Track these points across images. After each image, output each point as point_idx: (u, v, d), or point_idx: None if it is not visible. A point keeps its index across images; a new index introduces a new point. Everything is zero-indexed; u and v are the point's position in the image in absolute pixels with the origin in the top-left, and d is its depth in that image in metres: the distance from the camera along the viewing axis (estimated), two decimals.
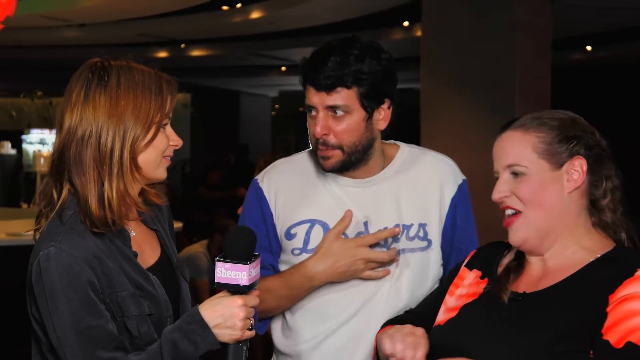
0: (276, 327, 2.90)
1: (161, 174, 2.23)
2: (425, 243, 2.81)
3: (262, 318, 2.82)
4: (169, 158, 2.25)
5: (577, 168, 2.10)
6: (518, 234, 2.07)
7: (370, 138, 2.74)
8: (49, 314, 2.02)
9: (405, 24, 13.78)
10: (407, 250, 2.79)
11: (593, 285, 2.00)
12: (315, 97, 2.69)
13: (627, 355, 1.86)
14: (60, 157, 2.13)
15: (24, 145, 16.51)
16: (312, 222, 2.77)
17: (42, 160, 13.71)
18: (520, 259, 2.18)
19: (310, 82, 2.69)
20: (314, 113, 2.73)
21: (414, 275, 2.77)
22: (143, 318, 2.08)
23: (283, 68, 19.99)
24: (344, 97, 2.66)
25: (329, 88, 2.65)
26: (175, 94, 2.24)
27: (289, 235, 2.78)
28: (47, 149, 15.44)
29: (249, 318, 2.01)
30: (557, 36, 11.84)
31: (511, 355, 1.96)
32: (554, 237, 2.09)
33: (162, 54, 17.82)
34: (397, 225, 2.76)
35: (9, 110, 22.62)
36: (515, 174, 2.07)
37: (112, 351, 2.01)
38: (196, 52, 17.74)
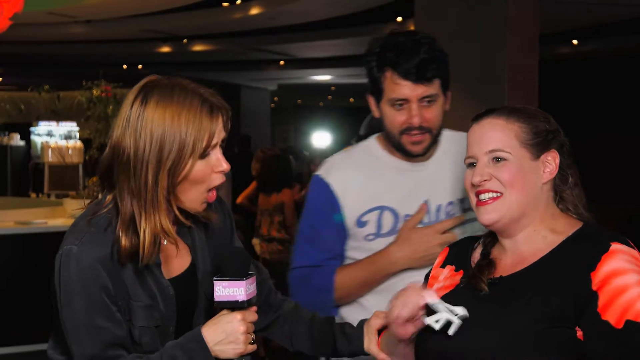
0: (349, 309, 2.94)
1: (199, 207, 2.13)
2: None
3: (337, 306, 2.92)
4: (213, 190, 2.15)
5: (551, 161, 2.12)
6: (492, 214, 2.07)
7: (442, 120, 2.88)
8: (62, 306, 2.03)
9: (399, 19, 13.77)
10: (467, 222, 2.88)
11: (570, 262, 2.00)
12: (407, 90, 2.75)
13: (628, 333, 1.87)
14: (108, 170, 2.09)
15: (33, 137, 16.44)
16: (382, 209, 2.86)
17: (49, 152, 13.65)
18: (491, 252, 2.18)
19: (406, 76, 2.74)
20: (402, 104, 2.78)
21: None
22: (148, 329, 2.08)
23: (281, 62, 19.99)
24: (436, 86, 2.79)
25: (427, 80, 2.75)
26: (222, 119, 2.10)
27: (360, 223, 2.86)
28: (54, 141, 15.38)
29: (249, 333, 2.02)
30: (544, 31, 11.84)
31: (500, 335, 1.96)
32: (524, 222, 2.10)
33: (165, 49, 17.82)
34: (453, 201, 2.91)
35: (17, 104, 22.63)
36: (498, 160, 2.07)
37: (117, 350, 2.02)
38: (198, 47, 17.74)
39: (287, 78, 23.14)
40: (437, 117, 2.82)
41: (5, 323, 6.41)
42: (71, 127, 16.37)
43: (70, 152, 13.65)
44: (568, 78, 16.42)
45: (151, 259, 2.06)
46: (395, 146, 2.87)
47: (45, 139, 15.96)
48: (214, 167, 2.09)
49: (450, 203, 2.90)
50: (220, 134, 2.08)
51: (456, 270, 2.22)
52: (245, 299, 1.99)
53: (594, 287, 1.92)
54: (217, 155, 2.09)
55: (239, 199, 8.87)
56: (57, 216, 7.72)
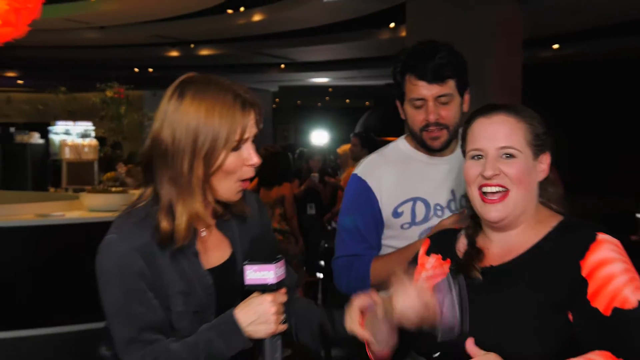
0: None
1: (232, 196, 2.12)
2: None
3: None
4: (247, 181, 2.14)
5: (545, 161, 2.11)
6: (501, 213, 2.05)
7: (461, 119, 2.90)
8: (101, 292, 2.01)
9: (392, 25, 13.77)
10: None
11: (559, 252, 2.00)
12: (425, 90, 2.83)
13: (616, 320, 1.88)
14: (148, 162, 2.08)
15: (51, 136, 16.45)
16: (414, 200, 2.93)
17: (67, 149, 13.65)
18: (476, 241, 2.17)
19: (422, 77, 2.83)
20: (420, 103, 2.87)
21: None
22: (185, 314, 2.05)
23: (282, 65, 19.99)
24: (450, 86, 2.86)
25: (441, 80, 2.82)
26: (254, 114, 2.09)
27: (396, 214, 2.92)
28: (71, 139, 15.38)
29: (280, 313, 2.00)
30: (527, 36, 11.84)
31: (501, 325, 1.95)
32: (522, 218, 2.09)
33: (174, 53, 17.81)
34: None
35: (36, 105, 22.63)
36: (508, 156, 2.05)
37: (154, 334, 1.99)
38: (204, 52, 17.73)
39: (287, 80, 23.14)
40: (454, 115, 2.88)
41: (25, 307, 6.41)
42: (86, 126, 16.38)
43: (85, 149, 13.65)
44: (549, 80, 16.43)
45: (185, 242, 2.05)
46: (419, 142, 2.95)
47: (62, 137, 15.97)
48: (245, 160, 2.08)
49: None
50: (251, 129, 2.07)
51: (443, 259, 2.21)
52: (275, 282, 1.98)
53: (584, 274, 1.93)
54: (248, 149, 2.07)
55: None
56: (74, 209, 7.71)
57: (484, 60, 10.75)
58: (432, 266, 2.22)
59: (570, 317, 1.92)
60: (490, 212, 2.06)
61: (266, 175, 7.76)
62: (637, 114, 17.46)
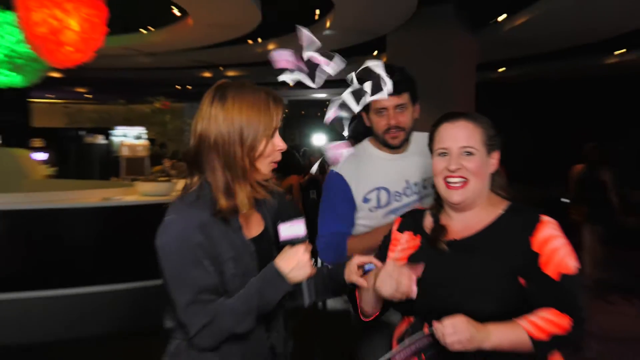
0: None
1: (268, 175, 2.11)
2: None
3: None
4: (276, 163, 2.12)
5: (495, 157, 2.11)
6: (461, 196, 2.05)
7: (413, 124, 2.97)
8: (162, 265, 1.95)
9: (375, 53, 13.75)
10: (431, 193, 2.90)
11: (511, 229, 2.00)
12: (386, 101, 2.84)
13: (563, 283, 1.90)
14: (196, 157, 2.03)
15: (112, 137, 16.47)
16: (379, 189, 2.94)
17: (124, 148, 13.64)
18: (440, 219, 2.15)
19: None
20: (383, 112, 2.89)
21: None
22: (236, 277, 2.00)
23: (290, 84, 19.92)
24: (405, 98, 2.89)
25: (398, 92, 2.82)
26: (281, 109, 2.09)
27: (366, 200, 2.93)
28: (128, 140, 15.39)
29: (311, 259, 1.97)
30: (479, 61, 11.82)
31: (461, 288, 1.95)
32: (478, 201, 2.09)
33: (207, 74, 17.77)
34: (421, 180, 2.99)
35: (101, 113, 22.64)
36: (468, 153, 2.04)
37: (210, 295, 1.93)
38: (230, 73, 17.69)
39: (294, 95, 23.13)
40: (408, 120, 2.91)
41: (92, 270, 6.41)
42: (140, 130, 16.39)
43: (139, 148, 13.63)
44: (496, 95, 16.42)
45: (238, 214, 2.04)
46: (382, 143, 2.96)
47: (121, 139, 15.98)
48: (276, 146, 2.08)
49: (424, 180, 2.97)
50: (279, 120, 2.08)
51: (415, 234, 2.19)
52: (304, 234, 1.96)
53: (534, 249, 1.94)
54: (277, 137, 2.08)
55: None
56: (130, 194, 7.70)
57: (446, 79, 10.78)
58: (406, 240, 2.21)
59: (522, 282, 1.91)
60: (453, 196, 2.06)
61: (278, 169, 7.76)
62: (561, 122, 17.55)
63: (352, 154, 3.06)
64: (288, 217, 2.01)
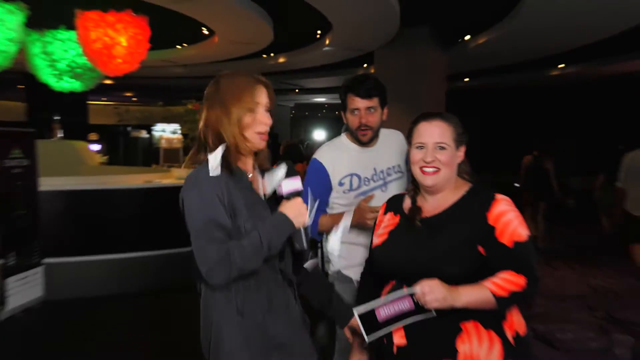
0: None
1: (257, 144, 1.99)
2: (401, 174, 2.95)
3: (319, 233, 2.94)
4: (263, 134, 1.99)
5: (462, 151, 2.08)
6: (434, 181, 2.03)
7: (381, 123, 2.91)
8: (186, 211, 1.87)
9: (365, 65, 13.71)
10: (394, 178, 2.94)
11: (471, 207, 1.98)
12: (359, 103, 2.81)
13: (517, 249, 1.88)
14: (204, 136, 1.96)
15: (153, 132, 16.45)
16: (351, 175, 2.88)
17: (163, 141, 13.67)
18: (416, 201, 2.13)
19: (357, 93, 2.82)
20: (356, 112, 2.84)
21: (398, 188, 2.89)
22: (250, 220, 1.89)
23: (296, 90, 19.88)
24: (375, 102, 2.82)
25: (369, 97, 2.80)
26: (263, 89, 1.98)
27: (340, 184, 2.87)
28: (166, 134, 15.39)
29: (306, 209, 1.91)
30: (448, 73, 11.80)
31: (430, 252, 1.93)
32: (447, 185, 2.07)
33: None
34: (386, 168, 2.93)
35: (144, 113, 22.62)
36: (441, 148, 2.02)
37: (225, 235, 1.82)
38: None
39: (299, 99, 23.02)
40: (377, 120, 2.84)
41: (136, 239, 6.42)
42: (175, 127, 16.34)
43: (175, 141, 13.63)
44: (462, 100, 16.39)
45: (244, 174, 1.98)
46: (354, 137, 2.90)
47: (160, 133, 15.94)
48: (258, 120, 1.97)
49: (388, 168, 2.93)
50: (262, 98, 1.97)
51: (394, 214, 2.17)
52: (301, 188, 1.92)
53: (490, 222, 1.91)
54: (260, 112, 1.97)
55: None
56: (167, 178, 7.71)
57: (422, 87, 10.77)
58: (388, 219, 2.18)
59: (481, 250, 1.90)
60: (427, 180, 2.04)
61: (286, 158, 7.74)
62: (514, 122, 17.55)
63: (330, 145, 3.06)
64: (290, 171, 1.96)
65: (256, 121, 1.96)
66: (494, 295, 1.85)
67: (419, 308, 1.85)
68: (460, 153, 2.08)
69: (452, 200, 2.05)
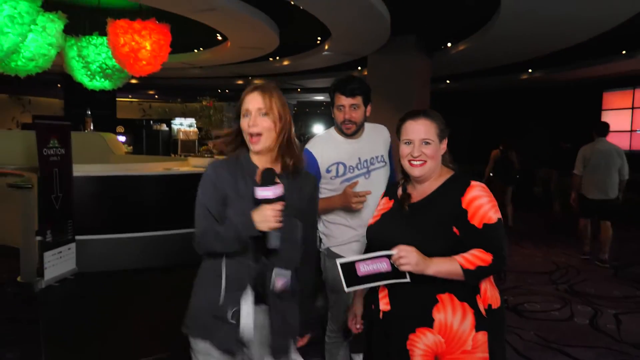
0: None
1: (250, 146, 1.95)
2: (383, 163, 2.93)
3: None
4: (253, 137, 1.94)
5: (444, 144, 2.07)
6: (421, 172, 2.02)
7: (365, 119, 2.87)
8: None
9: (359, 68, 13.66)
10: (377, 167, 2.90)
11: (449, 192, 1.97)
12: (344, 101, 2.78)
13: (486, 231, 1.87)
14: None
15: (172, 126, 16.39)
16: (337, 163, 2.83)
17: (181, 133, 13.59)
18: (407, 188, 2.12)
19: (342, 92, 2.79)
20: (341, 108, 2.81)
21: (380, 178, 2.89)
22: (236, 207, 1.89)
23: (299, 90, 19.83)
24: (358, 100, 2.79)
25: (353, 95, 2.77)
26: (247, 96, 1.95)
27: (328, 171, 2.83)
28: (183, 128, 15.33)
29: (276, 216, 1.82)
30: (432, 76, 11.76)
31: (414, 231, 1.93)
32: (433, 175, 2.05)
33: (239, 82, 17.62)
34: (370, 158, 2.90)
35: (165, 109, 22.52)
36: (426, 143, 2.00)
37: (210, 216, 1.90)
38: (257, 81, 17.54)
39: (301, 98, 22.99)
40: (360, 116, 2.80)
41: (157, 220, 6.40)
42: (192, 121, 16.29)
43: (191, 134, 13.57)
44: (444, 100, 16.36)
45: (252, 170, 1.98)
46: (340, 130, 2.87)
47: (178, 127, 15.89)
48: (243, 124, 1.95)
49: (372, 158, 2.90)
50: (253, 104, 1.94)
51: (390, 199, 2.16)
52: (272, 197, 1.82)
53: (464, 206, 1.90)
54: (250, 117, 1.94)
55: None
56: (185, 166, 7.68)
57: (409, 88, 10.73)
58: (383, 203, 2.18)
59: (456, 230, 1.89)
60: (415, 171, 2.03)
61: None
62: (488, 119, 17.52)
63: (320, 137, 3.03)
64: (264, 180, 1.86)
65: (244, 126, 1.96)
66: (462, 267, 1.84)
67: (394, 270, 1.83)
68: (443, 145, 2.07)
69: (435, 186, 2.04)
